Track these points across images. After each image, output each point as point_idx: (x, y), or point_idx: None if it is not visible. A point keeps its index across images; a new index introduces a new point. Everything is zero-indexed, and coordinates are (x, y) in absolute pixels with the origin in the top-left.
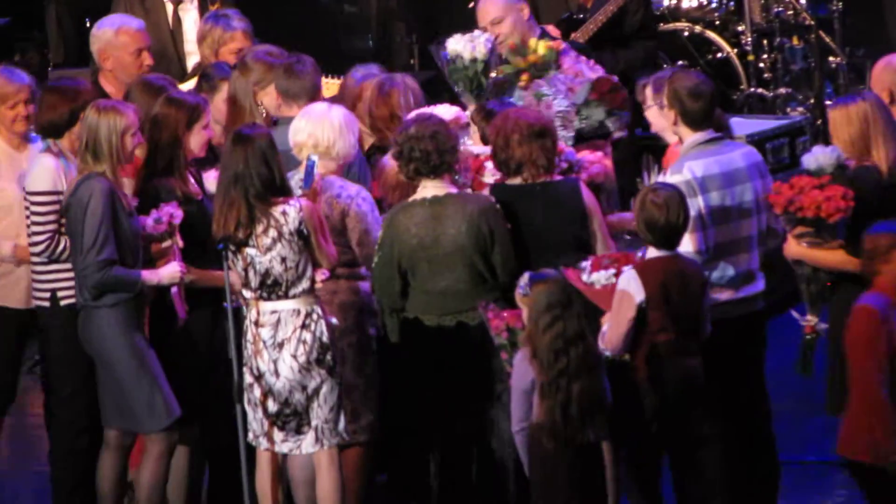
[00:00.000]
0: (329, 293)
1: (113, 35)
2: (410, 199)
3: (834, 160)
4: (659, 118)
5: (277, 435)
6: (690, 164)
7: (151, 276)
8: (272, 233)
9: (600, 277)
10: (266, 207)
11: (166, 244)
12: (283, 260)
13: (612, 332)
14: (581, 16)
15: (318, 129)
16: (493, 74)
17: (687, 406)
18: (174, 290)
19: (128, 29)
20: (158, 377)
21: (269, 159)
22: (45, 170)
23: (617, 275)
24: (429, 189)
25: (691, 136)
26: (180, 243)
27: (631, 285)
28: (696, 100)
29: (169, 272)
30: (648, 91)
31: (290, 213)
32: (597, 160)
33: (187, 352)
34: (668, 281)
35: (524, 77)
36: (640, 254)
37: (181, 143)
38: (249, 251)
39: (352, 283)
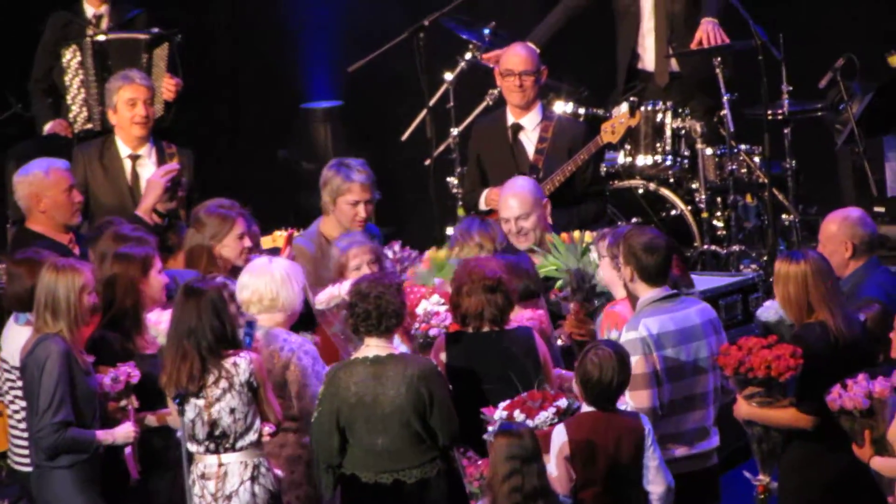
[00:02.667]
0: (277, 446)
1: (44, 176)
2: (352, 356)
3: (780, 315)
4: (609, 270)
5: None
6: (646, 321)
7: (106, 436)
8: (223, 384)
9: (545, 419)
10: (217, 360)
11: (122, 403)
12: (232, 411)
13: (557, 483)
14: (534, 175)
15: (261, 283)
16: None
17: None
18: (128, 450)
19: (57, 168)
20: None
21: (220, 312)
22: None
23: (556, 413)
24: (371, 348)
25: (647, 293)
26: (135, 403)
27: (558, 439)
28: (651, 254)
29: (124, 432)
30: (603, 244)
31: (241, 364)
32: (535, 317)
33: None
34: (596, 437)
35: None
36: (563, 402)
37: (140, 294)
38: (198, 402)
39: (299, 436)
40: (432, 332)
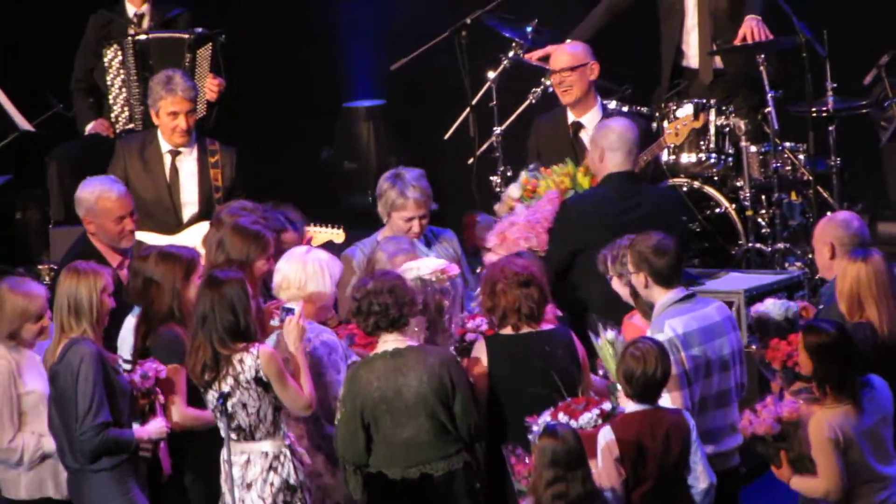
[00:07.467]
0: (296, 437)
1: (94, 202)
2: (371, 353)
3: (783, 311)
4: (620, 287)
5: None
6: (670, 321)
7: (142, 433)
8: (230, 381)
9: (589, 420)
10: (228, 353)
11: (149, 399)
12: (245, 406)
13: (606, 480)
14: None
15: (291, 270)
16: None
17: None
18: (161, 445)
19: (108, 197)
20: None
21: (235, 305)
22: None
23: (600, 415)
24: (389, 343)
25: (664, 296)
26: (162, 399)
27: (606, 442)
28: (661, 256)
29: (157, 428)
30: (608, 262)
31: (246, 361)
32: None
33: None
34: (644, 436)
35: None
36: (608, 405)
37: (181, 295)
38: (216, 394)
39: (316, 425)
40: (469, 336)
